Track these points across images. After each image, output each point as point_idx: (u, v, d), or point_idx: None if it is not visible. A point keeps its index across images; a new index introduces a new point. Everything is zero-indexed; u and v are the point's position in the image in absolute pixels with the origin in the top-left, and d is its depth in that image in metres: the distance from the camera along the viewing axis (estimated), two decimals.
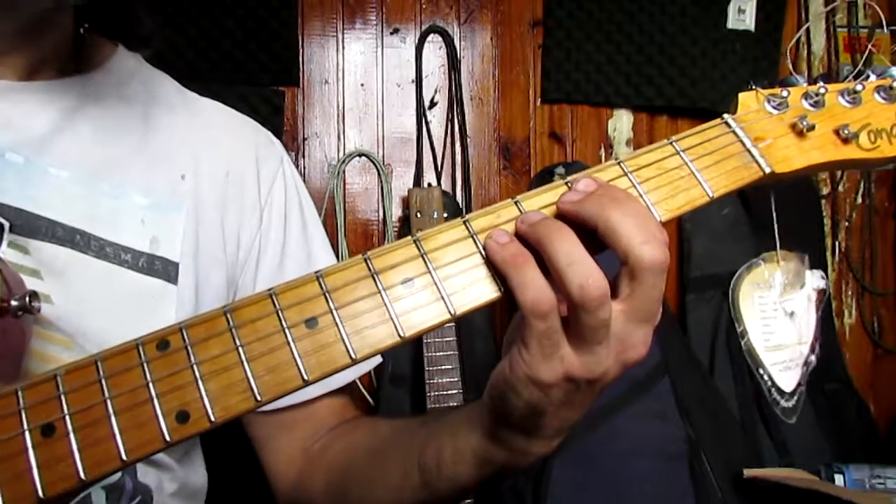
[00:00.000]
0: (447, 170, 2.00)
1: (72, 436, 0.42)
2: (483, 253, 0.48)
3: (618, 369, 0.48)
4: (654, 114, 2.05)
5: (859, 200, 2.10)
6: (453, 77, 1.99)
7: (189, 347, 0.44)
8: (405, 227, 1.92)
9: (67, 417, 0.42)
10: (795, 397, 1.89)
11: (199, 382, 0.43)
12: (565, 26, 1.99)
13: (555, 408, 0.49)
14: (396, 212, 1.97)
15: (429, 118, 2.00)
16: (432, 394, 1.66)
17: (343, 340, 0.45)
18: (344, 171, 1.96)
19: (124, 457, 0.41)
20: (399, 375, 1.84)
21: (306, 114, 1.96)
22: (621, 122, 2.05)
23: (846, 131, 0.56)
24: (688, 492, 1.69)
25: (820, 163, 0.56)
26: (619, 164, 0.52)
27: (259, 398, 0.43)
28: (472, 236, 0.49)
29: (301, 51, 1.95)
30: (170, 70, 0.81)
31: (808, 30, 2.08)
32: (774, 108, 0.57)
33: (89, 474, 0.41)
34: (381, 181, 1.96)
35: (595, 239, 0.46)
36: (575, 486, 1.67)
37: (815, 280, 1.93)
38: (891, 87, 0.58)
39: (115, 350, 0.44)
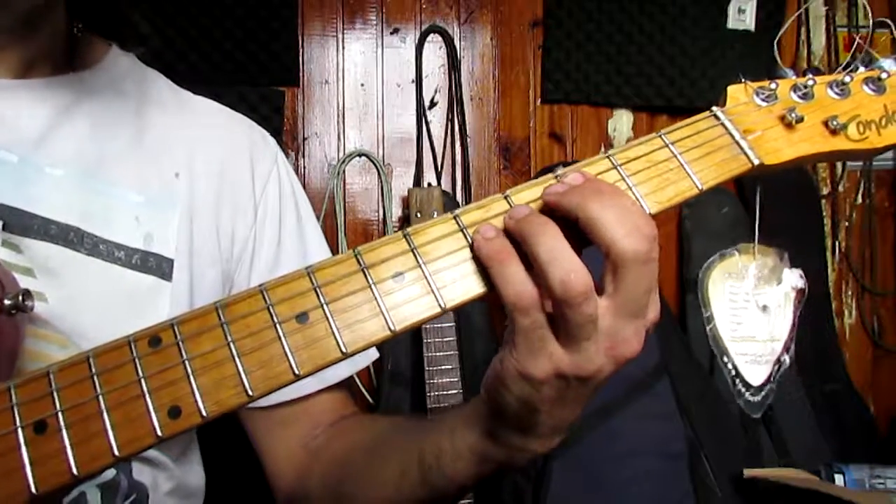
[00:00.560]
0: (447, 170, 2.00)
1: (64, 432, 0.42)
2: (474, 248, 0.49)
3: (611, 366, 0.48)
4: (654, 114, 2.05)
5: (859, 200, 2.10)
6: (453, 77, 2.00)
7: (181, 343, 0.44)
8: (405, 227, 1.91)
9: (60, 414, 0.42)
10: (763, 393, 1.88)
11: (191, 378, 0.43)
12: (565, 26, 1.99)
13: (548, 405, 0.49)
14: (396, 212, 1.97)
15: (429, 118, 2.00)
16: (432, 394, 1.66)
17: (334, 335, 0.45)
18: (344, 171, 1.96)
19: (116, 452, 0.42)
20: (399, 375, 1.84)
21: (306, 114, 1.96)
22: (621, 122, 2.05)
23: (835, 123, 0.56)
24: (688, 492, 1.70)
25: (809, 154, 0.56)
26: (608, 157, 0.52)
27: (251, 393, 0.43)
28: (461, 230, 0.49)
29: (301, 51, 1.95)
30: (170, 70, 0.82)
31: (808, 30, 2.08)
32: (763, 100, 0.57)
33: (82, 470, 0.41)
34: (381, 181, 1.96)
35: (582, 234, 0.46)
36: (575, 486, 1.67)
37: (793, 279, 1.92)
38: (879, 79, 0.58)
39: (108, 347, 0.44)
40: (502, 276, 0.46)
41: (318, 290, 0.46)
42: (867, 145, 0.57)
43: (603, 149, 2.03)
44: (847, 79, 0.58)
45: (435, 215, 1.71)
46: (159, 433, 0.42)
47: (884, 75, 0.58)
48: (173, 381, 0.43)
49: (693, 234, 1.98)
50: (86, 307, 0.64)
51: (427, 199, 1.75)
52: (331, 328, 0.45)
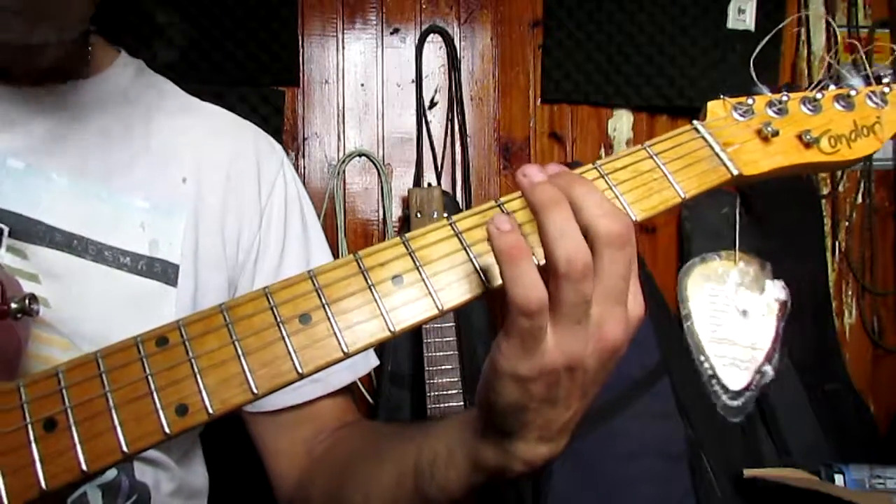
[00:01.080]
0: (447, 170, 2.01)
1: (73, 429, 0.43)
2: (468, 251, 0.50)
3: (597, 357, 0.48)
4: (654, 114, 2.05)
5: (859, 200, 2.10)
6: (453, 77, 2.00)
7: (187, 343, 0.45)
8: (405, 227, 1.92)
9: (69, 411, 0.43)
10: (742, 399, 1.90)
11: (198, 376, 0.44)
12: (565, 26, 1.99)
13: (537, 404, 0.48)
14: (396, 212, 1.97)
15: (429, 118, 2.00)
16: (432, 394, 1.66)
17: (336, 335, 0.46)
18: (344, 171, 1.97)
19: (125, 449, 0.42)
20: (399, 375, 1.85)
21: (306, 114, 1.96)
22: (621, 122, 2.05)
23: (808, 136, 0.60)
24: (688, 492, 1.70)
25: (784, 166, 0.59)
26: (595, 167, 0.54)
27: (255, 391, 0.44)
28: (457, 235, 0.50)
29: (301, 51, 1.95)
30: (170, 70, 0.82)
31: (808, 30, 2.08)
32: (741, 115, 0.61)
33: (91, 466, 0.42)
34: (381, 181, 1.97)
35: None
36: (575, 486, 1.67)
37: (775, 290, 1.94)
38: (848, 96, 0.62)
39: (115, 346, 0.45)
40: (513, 274, 0.45)
41: (319, 291, 0.47)
42: (839, 157, 0.60)
43: (603, 149, 2.04)
44: (819, 96, 0.62)
45: (435, 215, 1.72)
46: (167, 430, 0.43)
47: (853, 93, 0.62)
48: (180, 380, 0.44)
49: (693, 234, 1.98)
50: (90, 312, 0.65)
51: (427, 199, 1.75)
52: (332, 328, 0.47)
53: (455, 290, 0.49)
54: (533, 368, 0.47)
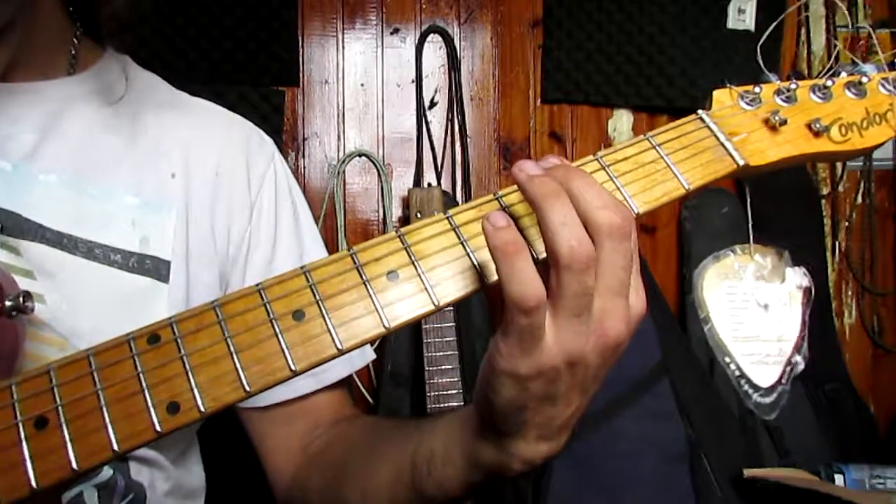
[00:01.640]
0: (447, 170, 2.00)
1: (64, 427, 0.42)
2: (465, 245, 0.49)
3: (598, 352, 0.47)
4: (654, 114, 2.05)
5: (859, 200, 2.10)
6: (453, 77, 2.00)
7: (179, 340, 0.45)
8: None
9: (60, 409, 0.43)
10: (775, 394, 1.88)
11: (189, 374, 0.44)
12: (565, 26, 1.99)
13: (536, 402, 0.48)
14: (396, 212, 1.97)
15: (429, 118, 2.00)
16: (432, 394, 1.66)
17: (330, 331, 0.46)
18: (344, 171, 1.96)
19: (116, 447, 0.42)
20: (399, 375, 1.84)
21: (306, 114, 1.96)
22: (621, 122, 2.05)
23: (818, 125, 0.58)
24: (688, 492, 1.70)
25: (793, 155, 0.58)
26: (597, 159, 0.54)
27: (248, 389, 0.44)
28: (454, 229, 0.49)
29: (301, 51, 1.95)
30: (170, 70, 0.82)
31: (808, 30, 2.08)
32: (748, 104, 0.59)
33: (82, 464, 0.42)
34: (381, 181, 1.97)
35: None
36: (575, 486, 1.67)
37: (797, 277, 1.92)
38: (860, 83, 0.60)
39: (107, 345, 0.45)
40: (509, 270, 0.44)
41: (313, 287, 0.47)
42: (849, 147, 0.58)
43: (603, 149, 2.04)
44: (829, 83, 0.60)
45: (435, 215, 1.72)
46: (158, 428, 0.42)
47: (864, 80, 0.60)
48: (171, 377, 0.44)
49: (693, 234, 1.98)
50: (84, 309, 0.64)
51: (427, 199, 1.75)
52: (326, 325, 0.46)
53: (452, 285, 0.48)
54: (532, 366, 0.46)
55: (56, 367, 0.44)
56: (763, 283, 1.92)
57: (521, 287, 0.44)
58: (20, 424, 0.42)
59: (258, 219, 0.79)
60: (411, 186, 1.96)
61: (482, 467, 0.53)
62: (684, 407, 1.76)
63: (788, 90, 0.59)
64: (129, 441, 0.42)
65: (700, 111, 0.58)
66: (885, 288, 2.11)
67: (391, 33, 2.00)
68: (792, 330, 1.91)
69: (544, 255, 0.46)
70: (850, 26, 2.07)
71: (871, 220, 2.10)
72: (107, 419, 0.42)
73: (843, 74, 0.60)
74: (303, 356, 0.45)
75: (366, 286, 0.47)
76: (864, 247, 2.10)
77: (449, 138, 2.01)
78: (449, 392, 1.66)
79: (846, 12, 2.05)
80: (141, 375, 0.43)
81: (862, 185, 2.10)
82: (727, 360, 1.89)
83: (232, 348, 0.45)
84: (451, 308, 1.58)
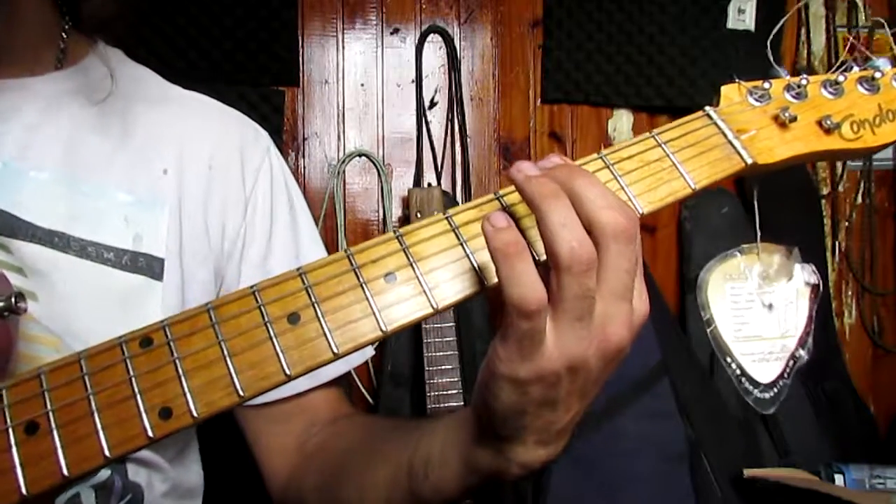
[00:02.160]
0: (447, 170, 2.00)
1: (55, 433, 0.42)
2: (465, 246, 0.48)
3: (600, 357, 0.46)
4: (654, 114, 2.04)
5: (859, 200, 2.09)
6: (453, 77, 1.99)
7: (171, 343, 0.44)
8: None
9: (51, 414, 0.42)
10: (774, 389, 1.87)
11: (182, 378, 0.43)
12: (565, 26, 1.99)
13: (535, 407, 0.47)
14: (396, 212, 1.97)
15: (429, 118, 1.99)
16: (432, 394, 1.66)
17: (326, 335, 0.45)
18: (344, 171, 1.96)
19: (107, 453, 0.41)
20: (399, 375, 1.84)
21: (306, 114, 1.96)
22: (621, 122, 2.04)
23: (829, 122, 0.56)
24: (688, 492, 1.69)
25: (803, 153, 0.56)
26: (600, 157, 0.52)
27: (242, 393, 0.43)
28: (454, 230, 0.48)
29: (301, 51, 1.95)
30: (170, 70, 0.81)
31: (808, 30, 2.07)
32: (757, 100, 0.57)
33: (73, 471, 0.41)
34: (381, 181, 1.96)
35: None
36: (575, 485, 1.67)
37: (805, 274, 1.91)
38: (873, 78, 0.58)
39: (99, 348, 0.44)
40: (509, 273, 0.43)
41: (309, 290, 0.46)
42: (861, 144, 0.56)
43: (603, 149, 2.03)
44: (841, 78, 0.58)
45: (435, 215, 1.72)
46: (150, 434, 0.42)
47: (878, 75, 0.58)
48: (164, 382, 0.43)
49: (693, 234, 1.98)
50: (77, 308, 0.64)
51: (427, 199, 1.75)
52: (322, 328, 0.45)
53: (451, 287, 0.47)
54: (532, 371, 0.45)
55: (47, 371, 0.43)
56: (768, 283, 1.91)
57: (521, 290, 0.43)
58: (10, 430, 0.42)
59: (253, 214, 0.78)
60: (411, 186, 1.96)
61: (479, 471, 0.53)
62: (684, 407, 1.75)
63: (799, 86, 0.58)
64: (120, 447, 0.42)
65: (707, 108, 0.57)
66: (885, 288, 2.11)
67: (391, 33, 2.00)
68: (797, 325, 1.91)
69: (545, 256, 0.45)
70: (851, 26, 2.06)
71: (871, 220, 2.09)
72: (98, 425, 0.42)
73: (856, 69, 0.59)
74: (298, 360, 0.44)
75: (363, 288, 0.46)
76: (864, 247, 2.10)
77: (449, 138, 2.00)
78: (449, 392, 1.66)
79: (859, 6, 2.03)
80: (133, 380, 0.43)
81: (862, 185, 2.09)
82: (728, 360, 1.88)
83: (226, 352, 0.44)
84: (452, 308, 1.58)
